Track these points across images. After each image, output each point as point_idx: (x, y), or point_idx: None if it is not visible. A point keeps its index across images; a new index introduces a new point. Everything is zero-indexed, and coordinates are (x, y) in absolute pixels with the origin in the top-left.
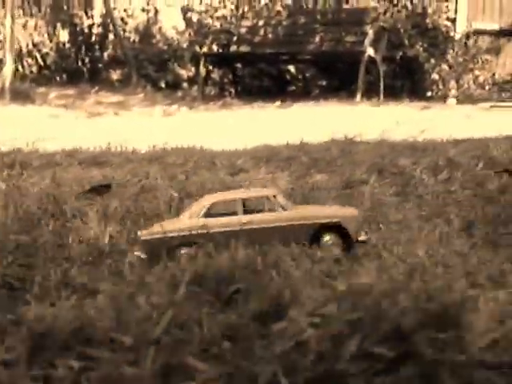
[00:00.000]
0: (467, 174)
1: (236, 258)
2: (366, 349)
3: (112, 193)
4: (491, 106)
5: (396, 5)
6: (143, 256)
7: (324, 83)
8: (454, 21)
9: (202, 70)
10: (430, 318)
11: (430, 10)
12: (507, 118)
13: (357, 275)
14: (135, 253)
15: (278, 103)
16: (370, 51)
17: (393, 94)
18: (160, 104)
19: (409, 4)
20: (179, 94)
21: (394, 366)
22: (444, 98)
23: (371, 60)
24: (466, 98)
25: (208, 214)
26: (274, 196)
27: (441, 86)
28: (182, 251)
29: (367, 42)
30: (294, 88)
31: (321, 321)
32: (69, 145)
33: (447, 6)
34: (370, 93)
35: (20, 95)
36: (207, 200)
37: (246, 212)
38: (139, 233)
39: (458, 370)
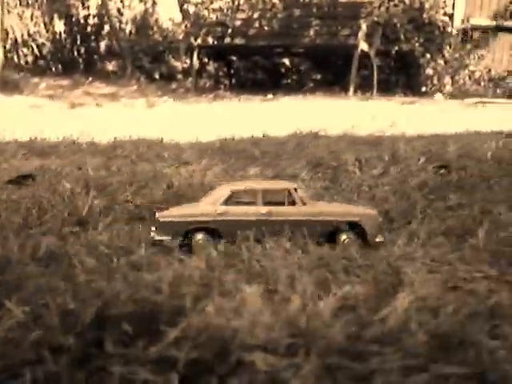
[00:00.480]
0: (405, 170)
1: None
2: (49, 339)
3: (31, 183)
4: (476, 102)
5: None
6: (157, 237)
7: (319, 77)
8: (451, 16)
9: (196, 62)
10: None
11: (427, 5)
12: (487, 114)
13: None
14: (151, 233)
15: (270, 96)
16: (363, 45)
17: (387, 88)
18: (151, 96)
19: None
20: (173, 85)
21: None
22: (433, 94)
23: (366, 54)
24: (459, 94)
25: (228, 202)
26: (295, 189)
27: (435, 82)
28: (199, 236)
29: (360, 35)
30: (288, 81)
31: (32, 309)
32: (35, 135)
33: (445, 1)
34: (365, 87)
35: (9, 85)
36: (228, 187)
37: (265, 203)
38: (157, 214)
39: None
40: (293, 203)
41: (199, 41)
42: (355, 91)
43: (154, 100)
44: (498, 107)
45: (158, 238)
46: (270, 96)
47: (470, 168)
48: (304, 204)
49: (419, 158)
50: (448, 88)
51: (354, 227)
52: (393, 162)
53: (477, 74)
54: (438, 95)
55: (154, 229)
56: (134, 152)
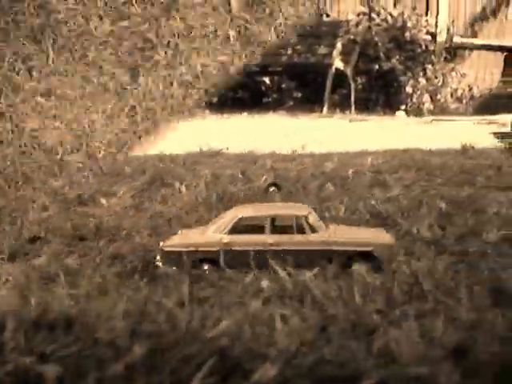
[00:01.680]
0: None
1: None
2: None
3: None
4: (432, 120)
5: (373, 19)
6: (163, 267)
7: (299, 95)
8: (433, 34)
9: None
10: None
11: (409, 24)
12: (431, 131)
13: None
14: (156, 262)
15: (244, 114)
16: (339, 64)
17: (367, 106)
18: None
19: (389, 18)
20: None
21: None
22: (397, 111)
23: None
24: (440, 111)
25: (234, 230)
26: (305, 216)
27: (415, 100)
28: (205, 267)
29: (335, 54)
30: (269, 100)
31: None
32: None
33: (427, 21)
34: (345, 106)
35: None
36: (235, 214)
37: (274, 230)
38: (161, 243)
39: None
40: (302, 231)
41: None
42: (334, 109)
43: None
44: (454, 124)
45: (163, 267)
46: (244, 114)
47: (300, 186)
48: (314, 232)
49: (263, 175)
50: (427, 106)
51: (368, 256)
52: (237, 180)
53: (459, 92)
54: (400, 112)
55: (158, 257)
56: None
